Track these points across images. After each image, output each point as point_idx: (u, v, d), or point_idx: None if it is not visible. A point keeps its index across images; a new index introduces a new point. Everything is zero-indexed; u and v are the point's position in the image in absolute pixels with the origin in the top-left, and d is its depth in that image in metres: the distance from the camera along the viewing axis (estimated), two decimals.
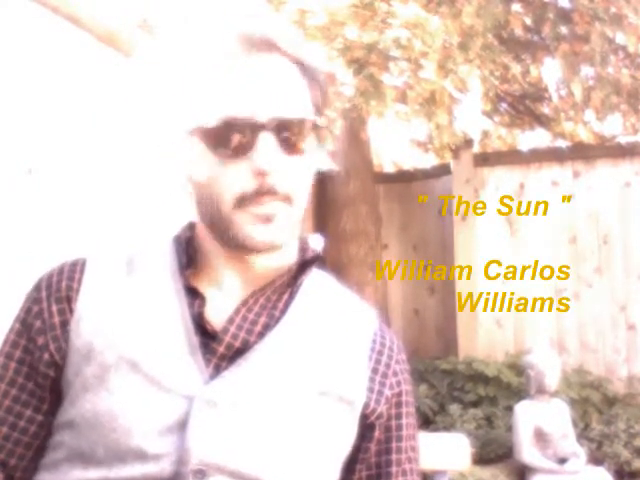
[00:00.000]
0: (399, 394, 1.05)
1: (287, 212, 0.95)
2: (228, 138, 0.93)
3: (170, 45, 1.05)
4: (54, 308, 1.00)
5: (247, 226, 0.94)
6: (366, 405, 1.01)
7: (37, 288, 1.03)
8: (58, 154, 2.85)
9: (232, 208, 0.94)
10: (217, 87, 0.95)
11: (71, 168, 2.91)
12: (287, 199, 0.95)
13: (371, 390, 1.02)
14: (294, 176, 0.95)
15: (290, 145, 0.95)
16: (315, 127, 0.99)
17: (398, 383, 1.05)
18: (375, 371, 1.03)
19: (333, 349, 1.01)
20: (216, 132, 0.94)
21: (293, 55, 0.97)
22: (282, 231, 0.95)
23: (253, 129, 0.93)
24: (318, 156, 1.03)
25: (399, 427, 1.05)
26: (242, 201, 0.94)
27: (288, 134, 0.95)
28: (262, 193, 0.93)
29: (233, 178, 0.94)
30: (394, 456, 1.04)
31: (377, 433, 1.03)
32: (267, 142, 0.93)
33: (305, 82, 0.98)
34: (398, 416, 1.05)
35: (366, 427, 1.02)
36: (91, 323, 0.98)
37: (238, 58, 0.95)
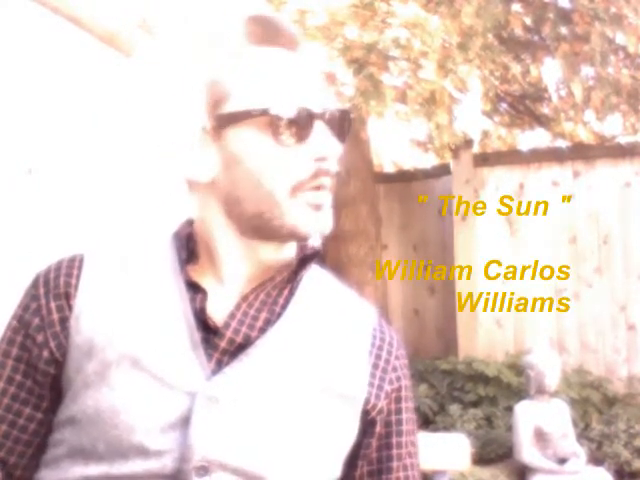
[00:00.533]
0: (399, 389, 1.05)
1: (330, 199, 0.98)
2: (290, 126, 0.95)
3: (210, 37, 1.06)
4: (52, 305, 1.00)
5: (300, 214, 0.96)
6: (367, 401, 1.01)
7: (34, 285, 1.03)
8: (58, 154, 2.85)
9: (288, 196, 0.95)
10: (283, 78, 0.98)
11: (71, 168, 2.91)
12: (332, 186, 0.98)
13: (371, 385, 1.02)
14: (337, 163, 0.99)
15: (339, 133, 0.99)
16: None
17: (398, 378, 1.05)
18: (375, 366, 1.04)
19: (333, 345, 1.02)
20: (278, 120, 0.95)
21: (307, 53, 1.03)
22: (329, 219, 0.98)
23: (311, 118, 0.96)
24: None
25: (399, 422, 1.05)
26: (299, 188, 0.95)
27: (337, 123, 0.99)
28: (319, 176, 0.96)
29: (292, 165, 0.96)
30: (395, 451, 1.04)
31: (378, 428, 1.03)
32: (323, 130, 0.97)
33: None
34: (398, 411, 1.05)
35: (367, 423, 1.02)
36: (91, 319, 0.97)
37: (284, 52, 1.00)
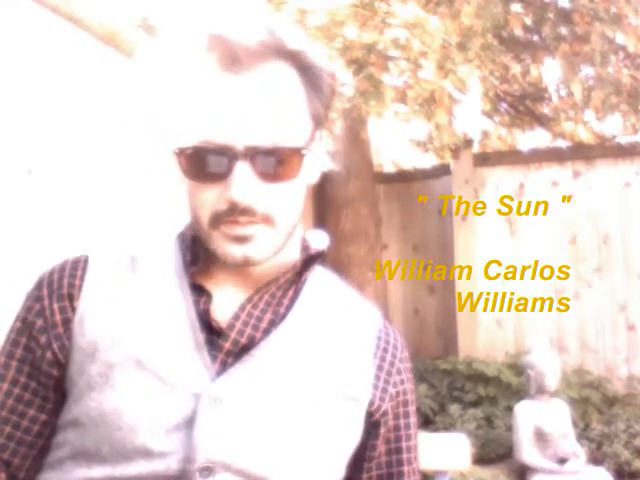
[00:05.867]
0: (404, 392, 1.05)
1: (267, 233, 0.94)
2: (203, 163, 0.92)
3: (154, 60, 1.02)
4: (55, 306, 0.99)
5: (222, 244, 0.94)
6: (371, 402, 1.01)
7: (38, 286, 1.02)
8: (58, 154, 2.85)
9: (208, 226, 0.94)
10: (196, 110, 0.93)
11: (71, 168, 2.91)
12: (267, 221, 0.93)
13: (376, 387, 1.02)
14: (275, 200, 0.94)
15: (274, 173, 0.92)
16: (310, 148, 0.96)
17: (402, 381, 1.05)
18: (380, 368, 1.04)
19: (338, 346, 1.01)
20: (192, 156, 0.93)
21: (293, 56, 0.94)
22: (260, 250, 0.94)
23: (229, 157, 0.91)
24: (313, 172, 1.01)
25: (407, 426, 1.06)
26: (216, 220, 0.93)
27: (268, 163, 0.92)
28: (236, 214, 0.92)
29: (206, 200, 0.93)
30: (405, 455, 1.05)
31: (383, 431, 1.03)
32: (242, 172, 0.90)
33: (304, 90, 0.95)
34: (405, 415, 1.06)
35: (371, 424, 1.02)
36: (95, 321, 0.97)
37: (220, 78, 0.92)
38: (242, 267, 0.97)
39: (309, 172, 0.98)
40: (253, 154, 0.91)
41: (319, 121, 0.98)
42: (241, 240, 0.93)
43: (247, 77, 0.91)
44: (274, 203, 0.93)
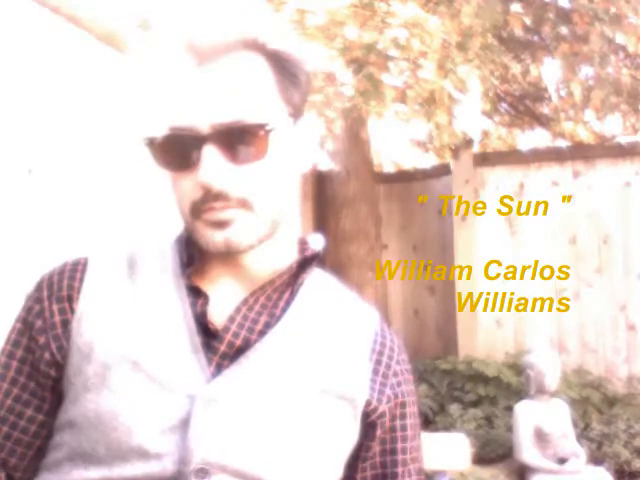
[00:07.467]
0: (402, 394, 1.05)
1: (246, 218, 0.94)
2: (173, 151, 0.93)
3: (137, 60, 1.03)
4: (55, 307, 1.00)
5: (204, 232, 0.94)
6: (368, 403, 1.01)
7: (38, 287, 1.03)
8: (58, 154, 2.85)
9: (191, 217, 0.95)
10: (162, 103, 0.94)
11: (71, 168, 2.91)
12: (244, 205, 0.93)
13: (373, 389, 1.02)
14: (249, 183, 0.93)
15: (241, 153, 0.92)
16: (284, 127, 0.96)
17: (399, 383, 1.05)
18: (375, 371, 1.03)
19: (334, 348, 1.01)
20: (161, 145, 0.93)
21: (262, 47, 0.95)
22: (241, 235, 0.94)
23: (197, 141, 0.91)
24: (298, 157, 1.00)
25: (404, 427, 1.05)
26: (196, 210, 0.94)
27: (238, 142, 0.92)
28: (210, 200, 0.92)
29: (184, 190, 0.94)
30: (400, 456, 1.04)
31: (380, 432, 1.03)
32: (210, 155, 0.91)
33: (274, 76, 0.95)
34: (402, 416, 1.05)
35: (367, 425, 1.02)
36: (93, 322, 0.98)
37: (186, 71, 0.93)
38: (228, 256, 0.97)
39: (286, 154, 0.97)
40: (219, 135, 0.91)
41: (296, 108, 0.98)
42: (221, 225, 0.93)
43: (210, 66, 0.93)
44: (248, 186, 0.93)
